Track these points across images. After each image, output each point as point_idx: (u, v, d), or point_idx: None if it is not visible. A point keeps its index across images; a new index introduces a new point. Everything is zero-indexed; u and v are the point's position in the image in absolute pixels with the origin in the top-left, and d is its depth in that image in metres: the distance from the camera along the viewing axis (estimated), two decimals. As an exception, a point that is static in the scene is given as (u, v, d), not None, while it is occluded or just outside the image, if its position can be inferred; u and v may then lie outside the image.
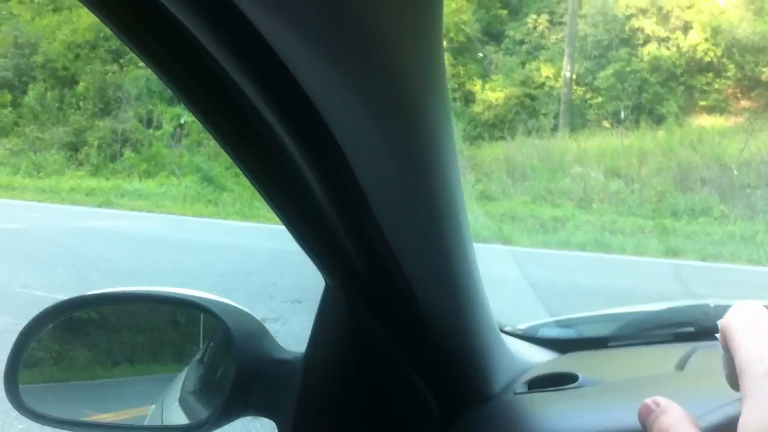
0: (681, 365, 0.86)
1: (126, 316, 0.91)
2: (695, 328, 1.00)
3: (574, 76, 15.17)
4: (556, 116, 14.66)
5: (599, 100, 14.96)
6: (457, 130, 13.47)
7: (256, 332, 0.85)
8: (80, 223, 10.03)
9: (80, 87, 17.74)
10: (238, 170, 0.59)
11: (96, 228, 9.60)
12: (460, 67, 15.81)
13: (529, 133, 13.65)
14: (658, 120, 13.86)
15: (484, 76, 16.14)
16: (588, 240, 8.85)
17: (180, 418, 0.87)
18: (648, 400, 0.46)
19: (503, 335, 0.93)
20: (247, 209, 11.00)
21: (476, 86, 15.80)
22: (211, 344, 0.90)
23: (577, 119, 14.63)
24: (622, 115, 13.90)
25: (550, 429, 0.74)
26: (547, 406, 0.79)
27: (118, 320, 0.91)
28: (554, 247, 8.60)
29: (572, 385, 0.83)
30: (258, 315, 0.86)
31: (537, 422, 0.76)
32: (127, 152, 15.87)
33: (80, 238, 8.58)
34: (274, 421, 0.86)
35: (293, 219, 0.64)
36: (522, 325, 1.07)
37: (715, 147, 11.36)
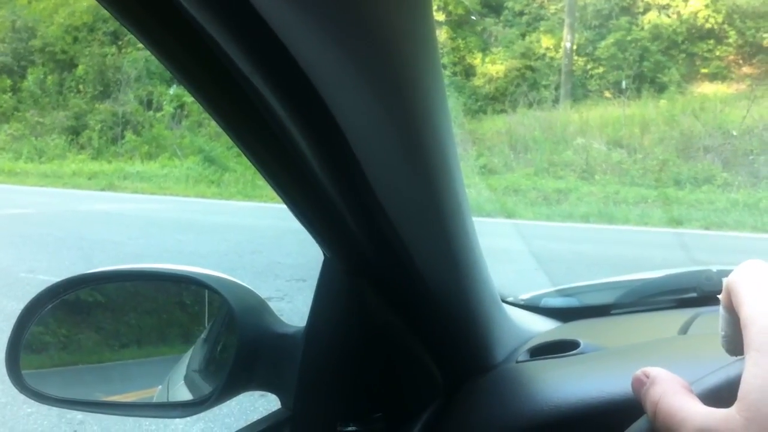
0: (684, 330, 0.86)
1: (132, 297, 0.91)
2: (698, 294, 1.00)
3: (575, 47, 15.06)
4: (557, 88, 14.58)
5: (600, 70, 14.86)
6: (458, 103, 13.43)
7: (258, 307, 0.85)
8: (84, 207, 10.05)
9: (79, 70, 17.69)
10: (239, 150, 0.59)
11: (100, 211, 9.63)
12: (460, 41, 15.71)
13: (530, 105, 13.59)
14: (660, 89, 13.77)
15: (484, 49, 16.04)
16: (591, 211, 8.84)
17: (184, 395, 0.87)
18: (638, 372, 0.46)
19: (506, 305, 0.93)
20: (250, 189, 11.00)
21: (476, 59, 15.70)
22: (215, 322, 0.90)
23: (579, 90, 14.55)
24: (624, 84, 13.81)
25: (552, 395, 0.74)
26: (548, 373, 0.80)
27: (124, 302, 0.91)
28: (558, 220, 8.60)
29: (574, 352, 0.83)
30: (263, 294, 0.86)
31: (539, 389, 0.76)
32: (129, 134, 15.86)
33: (84, 222, 8.60)
34: (277, 394, 0.86)
35: (291, 192, 0.64)
36: (524, 295, 1.07)
37: (718, 114, 11.29)
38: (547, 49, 15.54)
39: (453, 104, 12.18)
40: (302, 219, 0.67)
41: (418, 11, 0.46)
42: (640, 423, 0.46)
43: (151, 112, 16.08)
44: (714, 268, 1.03)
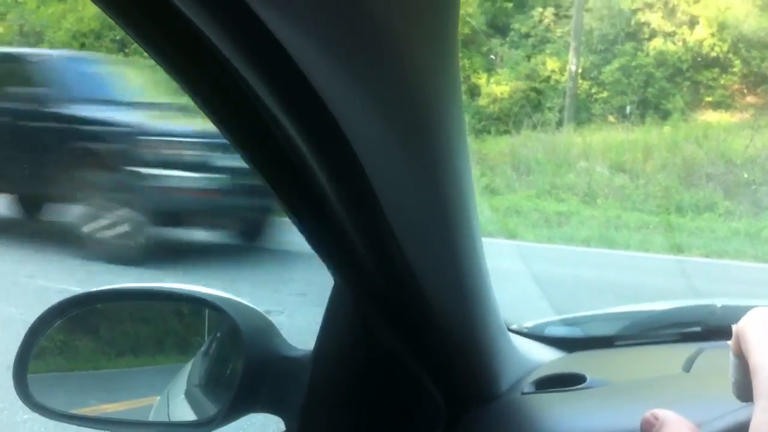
0: (688, 366, 0.86)
1: (138, 321, 0.91)
2: (702, 328, 0.99)
3: (580, 70, 15.11)
4: (561, 110, 14.61)
5: (605, 94, 14.90)
6: (461, 123, 13.47)
7: (265, 329, 0.85)
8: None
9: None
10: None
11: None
12: (465, 60, 15.74)
13: (534, 127, 13.61)
14: (664, 115, 13.80)
15: (490, 70, 16.09)
16: (593, 235, 8.83)
17: (186, 412, 0.87)
18: (648, 414, 0.47)
19: (510, 334, 0.94)
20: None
21: (481, 79, 15.75)
22: (218, 337, 0.90)
23: (583, 113, 14.58)
24: (628, 109, 13.84)
25: (557, 430, 0.74)
26: (554, 406, 0.80)
27: (122, 311, 0.91)
28: (559, 242, 8.59)
29: (579, 386, 0.83)
30: (262, 308, 0.87)
31: (544, 423, 0.77)
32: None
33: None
34: (282, 417, 0.86)
35: (302, 217, 0.64)
36: (528, 324, 1.07)
37: (721, 143, 11.31)
38: (552, 71, 15.58)
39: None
40: (313, 244, 0.68)
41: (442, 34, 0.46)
42: None
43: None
44: (718, 303, 1.03)
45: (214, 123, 0.54)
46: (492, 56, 16.41)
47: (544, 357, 0.98)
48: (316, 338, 0.83)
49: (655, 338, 1.02)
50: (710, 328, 0.97)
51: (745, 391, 0.43)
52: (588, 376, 0.85)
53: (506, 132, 13.89)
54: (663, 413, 0.47)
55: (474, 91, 15.58)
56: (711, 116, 14.00)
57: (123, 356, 0.93)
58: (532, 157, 11.80)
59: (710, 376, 0.77)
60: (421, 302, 0.70)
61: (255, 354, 0.82)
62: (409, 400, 0.85)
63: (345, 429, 0.84)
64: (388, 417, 0.85)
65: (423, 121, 0.51)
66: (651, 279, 5.94)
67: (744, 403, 0.45)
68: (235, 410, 0.82)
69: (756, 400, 0.41)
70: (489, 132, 14.19)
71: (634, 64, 14.93)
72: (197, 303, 0.85)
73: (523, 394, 0.84)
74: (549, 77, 15.54)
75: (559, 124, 14.14)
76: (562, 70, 15.41)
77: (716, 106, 14.46)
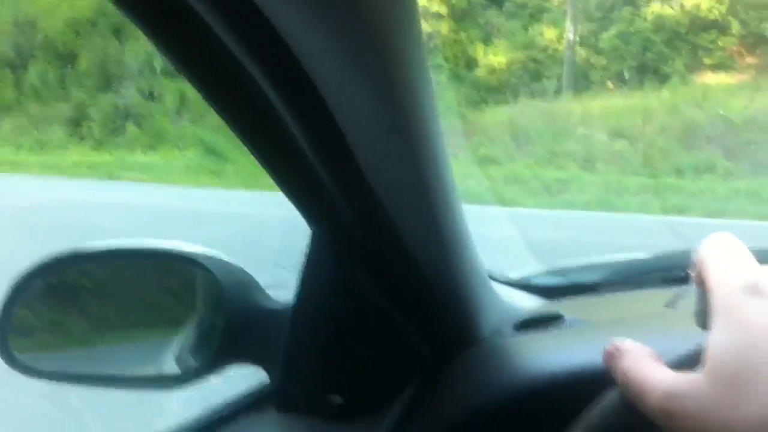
0: (671, 304, 0.87)
1: (117, 280, 0.91)
2: (686, 273, 0.99)
3: (577, 39, 14.99)
4: (559, 79, 14.50)
5: (603, 61, 14.77)
6: (459, 94, 13.38)
7: (245, 283, 0.85)
8: (83, 196, 10.04)
9: (81, 63, 17.63)
10: (237, 138, 0.59)
11: (100, 201, 9.61)
12: (462, 33, 15.64)
13: (532, 96, 13.53)
14: (663, 79, 13.69)
15: (487, 41, 15.97)
16: (592, 200, 8.83)
17: (171, 367, 0.87)
18: (609, 346, 0.48)
19: (494, 283, 0.94)
20: (251, 179, 10.96)
21: (479, 51, 15.64)
22: (199, 293, 0.90)
23: (581, 81, 14.47)
24: (626, 75, 13.76)
25: (536, 368, 0.75)
26: (533, 346, 0.81)
27: (110, 285, 0.91)
28: (559, 209, 8.59)
29: (559, 326, 0.84)
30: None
31: (523, 362, 0.77)
32: (130, 126, 15.82)
33: (84, 211, 8.59)
34: (265, 369, 0.86)
35: (276, 165, 0.64)
36: (514, 275, 1.07)
37: (720, 104, 11.25)
38: (550, 40, 15.46)
39: (454, 95, 12.17)
40: (288, 192, 0.67)
41: None
42: (613, 394, 0.47)
43: (152, 104, 16.03)
44: None
45: (186, 77, 0.53)
46: (489, 28, 16.27)
47: (527, 305, 0.99)
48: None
49: (639, 283, 1.02)
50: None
51: (706, 318, 0.43)
52: (566, 316, 0.86)
53: (504, 102, 13.81)
54: (624, 343, 0.47)
55: (471, 63, 15.48)
56: (710, 78, 13.88)
57: (114, 331, 0.92)
58: (531, 126, 11.75)
59: (692, 312, 0.78)
60: (400, 251, 0.70)
61: (236, 307, 0.82)
62: (391, 347, 0.85)
63: (326, 376, 0.85)
64: (370, 365, 0.86)
65: (393, 73, 0.51)
66: (652, 240, 5.94)
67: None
68: (217, 363, 0.82)
69: (713, 320, 0.41)
70: (487, 103, 14.12)
71: (632, 29, 14.80)
72: (177, 259, 0.85)
73: (503, 337, 0.85)
74: (546, 46, 15.42)
75: (558, 92, 14.05)
76: (559, 39, 15.28)
77: (715, 68, 14.34)
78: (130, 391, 0.90)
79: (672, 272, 1.01)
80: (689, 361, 0.42)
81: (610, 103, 12.46)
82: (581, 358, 0.70)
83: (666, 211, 8.16)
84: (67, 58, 18.11)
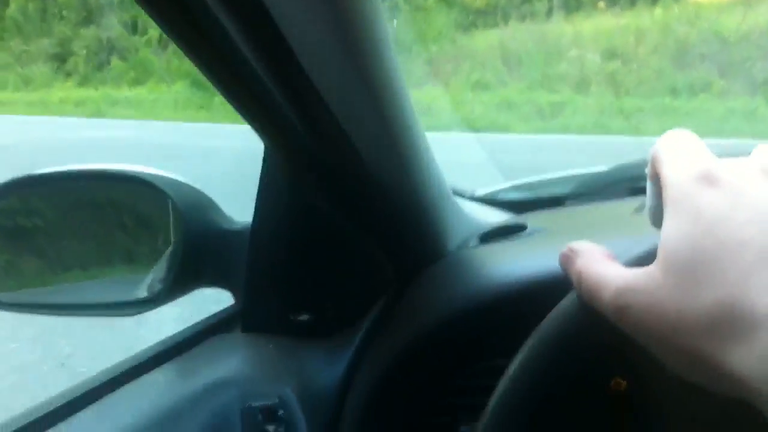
0: (639, 209, 0.84)
1: (73, 215, 0.88)
2: None
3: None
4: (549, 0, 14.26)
5: (595, -21, 14.50)
6: (449, 19, 13.16)
7: (204, 203, 0.83)
8: (71, 135, 9.94)
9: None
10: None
11: (87, 138, 9.52)
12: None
13: (523, 18, 13.31)
14: (655, -2, 13.48)
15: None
16: (587, 123, 8.78)
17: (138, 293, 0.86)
18: (564, 248, 0.47)
19: (460, 199, 0.94)
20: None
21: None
22: (163, 224, 0.88)
23: (572, 1, 14.23)
24: (618, -6, 13.52)
25: (499, 276, 0.75)
26: (496, 255, 0.81)
27: (67, 221, 0.88)
28: (553, 133, 8.55)
29: (522, 235, 0.84)
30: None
31: (486, 271, 0.77)
32: (115, 60, 15.57)
33: (71, 150, 8.51)
34: (229, 290, 0.86)
35: (220, 73, 0.61)
36: (481, 191, 1.06)
37: (713, 22, 11.08)
38: (540, -41, 15.13)
39: (444, 19, 11.96)
40: (235, 103, 0.64)
41: None
42: (570, 296, 0.47)
43: (136, 37, 15.74)
44: None
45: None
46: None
47: (494, 219, 0.98)
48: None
49: (606, 195, 1.02)
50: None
51: (660, 215, 0.42)
52: (529, 225, 0.86)
53: (494, 25, 13.58)
54: (578, 244, 0.47)
55: (461, -14, 15.18)
56: (703, -5, 13.66)
57: (70, 271, 0.90)
58: (522, 49, 11.60)
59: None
60: (358, 167, 0.67)
61: (194, 230, 0.81)
62: (356, 266, 0.85)
63: (290, 295, 0.84)
64: (336, 284, 0.85)
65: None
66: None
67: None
68: (179, 286, 0.81)
69: (665, 211, 0.40)
70: (477, 26, 13.89)
71: (622, -54, 14.46)
72: (130, 181, 0.82)
73: (467, 249, 0.85)
74: (537, -34, 15.10)
75: (548, 13, 13.80)
76: (549, -42, 14.96)
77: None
78: (98, 318, 0.90)
79: (639, 182, 0.98)
80: (645, 259, 0.41)
81: (601, 23, 12.26)
82: (544, 265, 0.70)
83: (661, 131, 8.10)
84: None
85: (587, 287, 0.43)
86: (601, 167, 1.08)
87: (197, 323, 0.85)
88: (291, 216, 0.81)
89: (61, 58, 16.36)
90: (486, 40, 12.62)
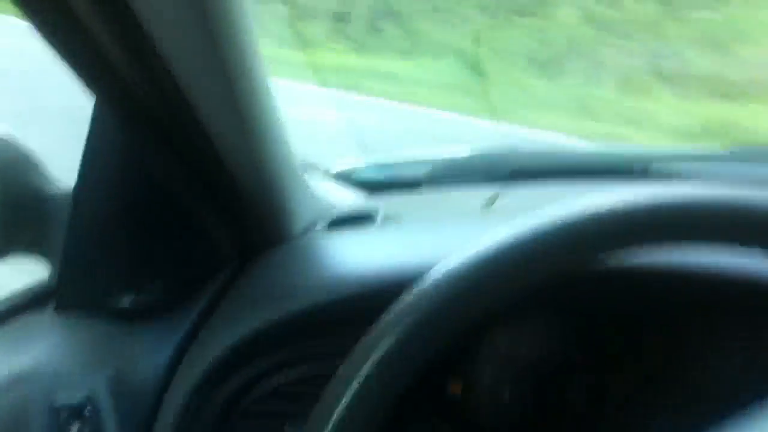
0: (489, 204, 0.86)
1: None
2: (509, 171, 0.99)
3: None
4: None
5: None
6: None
7: (21, 161, 0.78)
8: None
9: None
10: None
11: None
12: None
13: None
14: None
15: None
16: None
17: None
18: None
19: (313, 176, 0.89)
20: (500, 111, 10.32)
21: None
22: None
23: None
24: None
25: (342, 269, 0.73)
26: (343, 244, 0.79)
27: None
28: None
29: (371, 224, 0.83)
30: None
31: (329, 263, 0.75)
32: (389, 26, 16.05)
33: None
34: (46, 259, 0.80)
35: (46, 20, 0.54)
36: (337, 168, 1.03)
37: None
38: None
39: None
40: (60, 51, 0.56)
41: None
42: (397, 303, 0.48)
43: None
44: (526, 149, 1.06)
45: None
46: None
47: (347, 200, 0.95)
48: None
49: (461, 181, 1.01)
50: (515, 171, 0.97)
51: None
52: (379, 215, 0.85)
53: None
54: None
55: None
56: None
57: None
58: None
59: (509, 213, 0.69)
60: (195, 127, 0.62)
61: (7, 191, 0.75)
62: (190, 241, 0.79)
63: (113, 271, 0.77)
64: (166, 260, 0.79)
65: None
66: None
67: None
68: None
69: None
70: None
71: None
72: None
73: (313, 235, 0.83)
74: None
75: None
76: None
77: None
78: None
79: (495, 171, 1.00)
80: None
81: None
82: (390, 261, 0.70)
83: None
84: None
85: None
86: (460, 151, 1.07)
87: (2, 298, 0.80)
88: (120, 181, 0.74)
89: (340, 18, 17.09)
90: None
